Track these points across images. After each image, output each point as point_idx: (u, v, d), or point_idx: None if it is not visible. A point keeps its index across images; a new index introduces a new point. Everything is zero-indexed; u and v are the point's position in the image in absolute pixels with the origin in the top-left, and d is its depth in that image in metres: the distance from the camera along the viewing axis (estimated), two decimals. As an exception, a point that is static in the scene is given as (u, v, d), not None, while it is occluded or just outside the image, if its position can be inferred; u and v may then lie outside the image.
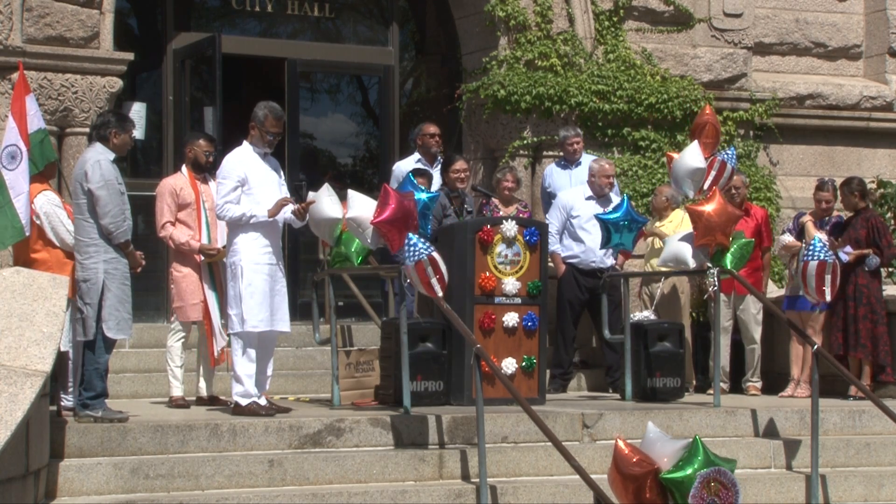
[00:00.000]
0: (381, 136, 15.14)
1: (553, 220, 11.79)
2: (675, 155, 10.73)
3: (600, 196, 11.74)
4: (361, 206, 9.41)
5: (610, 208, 11.03)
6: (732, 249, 10.48)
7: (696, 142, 10.49)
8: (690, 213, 10.39)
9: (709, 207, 10.32)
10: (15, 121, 9.07)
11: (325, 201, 9.68)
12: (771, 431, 10.08)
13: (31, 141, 9.12)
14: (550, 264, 11.58)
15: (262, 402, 9.36)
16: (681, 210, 11.83)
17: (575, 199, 11.78)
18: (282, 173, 9.73)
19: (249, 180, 9.43)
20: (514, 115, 13.45)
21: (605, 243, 10.80)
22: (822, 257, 10.02)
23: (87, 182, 8.73)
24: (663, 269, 11.29)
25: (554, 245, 11.63)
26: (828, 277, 10.00)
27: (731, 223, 10.46)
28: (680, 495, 7.15)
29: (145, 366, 11.34)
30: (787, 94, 14.79)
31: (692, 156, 10.46)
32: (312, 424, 8.88)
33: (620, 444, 7.27)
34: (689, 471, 7.16)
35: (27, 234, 9.00)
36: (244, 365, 9.33)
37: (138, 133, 11.46)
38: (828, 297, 10.11)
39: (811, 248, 10.13)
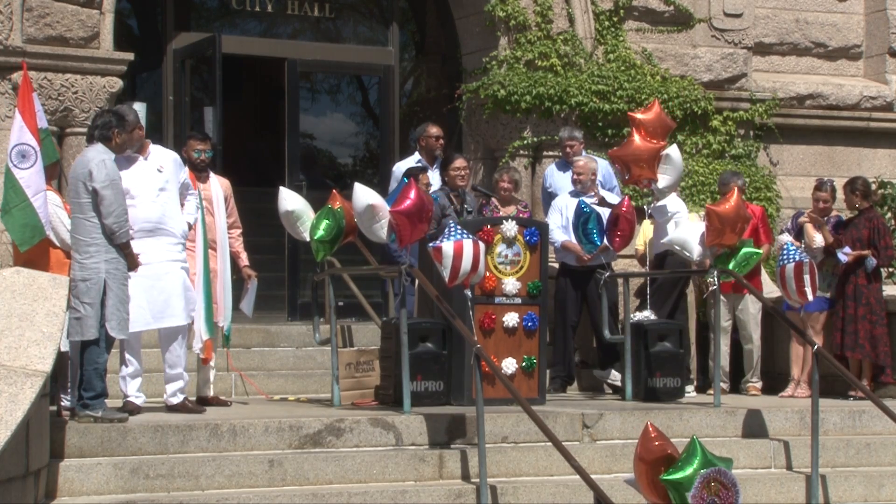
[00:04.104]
0: (381, 137, 15.13)
1: (552, 224, 11.76)
2: (669, 152, 10.84)
3: (581, 193, 11.73)
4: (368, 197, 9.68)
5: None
6: (738, 256, 10.49)
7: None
8: (709, 212, 10.41)
9: (727, 206, 10.35)
10: (24, 119, 9.04)
11: (281, 199, 10.41)
12: (771, 431, 10.09)
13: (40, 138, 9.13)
14: (553, 264, 11.59)
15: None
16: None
17: (568, 199, 11.79)
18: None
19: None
20: (514, 115, 13.43)
21: (591, 248, 11.00)
22: (797, 259, 10.09)
23: (91, 181, 8.68)
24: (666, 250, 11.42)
25: (562, 236, 11.56)
26: (806, 277, 10.05)
27: (743, 222, 10.49)
28: (679, 495, 7.15)
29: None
30: (787, 94, 14.78)
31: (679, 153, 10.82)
32: (312, 424, 8.88)
33: (650, 426, 7.31)
34: (688, 471, 7.16)
35: (47, 233, 9.02)
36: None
37: (139, 133, 11.44)
38: (809, 297, 10.17)
39: (784, 251, 10.20)
